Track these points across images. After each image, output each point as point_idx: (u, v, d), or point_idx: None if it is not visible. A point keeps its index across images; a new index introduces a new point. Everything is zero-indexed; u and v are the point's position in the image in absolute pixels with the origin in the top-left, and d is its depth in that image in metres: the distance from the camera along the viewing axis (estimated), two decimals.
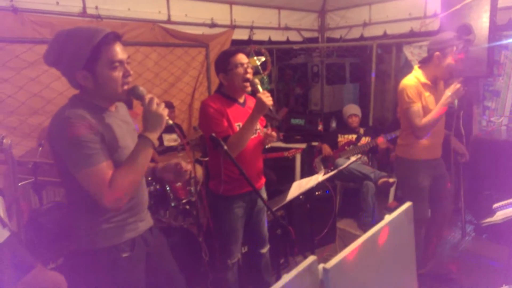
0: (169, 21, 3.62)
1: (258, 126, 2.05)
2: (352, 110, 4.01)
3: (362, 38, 4.65)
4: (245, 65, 1.96)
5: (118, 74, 1.29)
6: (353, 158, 2.57)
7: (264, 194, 2.21)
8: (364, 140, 3.87)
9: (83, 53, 1.23)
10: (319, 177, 2.14)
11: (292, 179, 3.90)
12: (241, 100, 2.08)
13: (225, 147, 1.74)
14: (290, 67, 5.52)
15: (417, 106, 2.29)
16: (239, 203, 2.04)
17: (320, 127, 4.53)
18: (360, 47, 5.13)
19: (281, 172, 3.81)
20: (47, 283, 1.01)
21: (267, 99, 1.81)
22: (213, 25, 3.96)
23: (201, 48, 3.94)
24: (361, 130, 3.98)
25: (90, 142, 1.23)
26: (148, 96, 1.31)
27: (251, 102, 2.10)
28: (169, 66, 3.69)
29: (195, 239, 2.52)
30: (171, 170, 1.54)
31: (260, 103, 1.81)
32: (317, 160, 3.93)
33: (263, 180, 2.20)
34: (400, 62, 4.84)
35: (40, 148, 2.48)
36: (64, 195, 1.45)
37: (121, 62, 1.30)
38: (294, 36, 4.88)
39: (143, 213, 1.48)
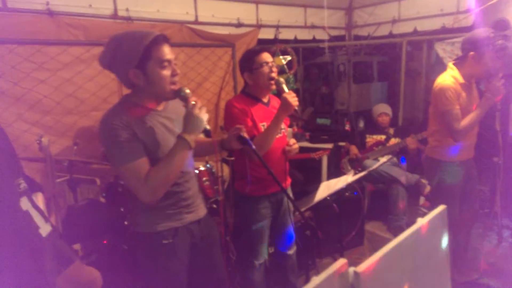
0: (196, 22, 3.67)
1: (283, 125, 2.05)
2: (382, 108, 3.91)
3: (391, 35, 4.54)
4: (270, 64, 1.97)
5: (166, 72, 1.40)
6: (383, 159, 2.50)
7: (290, 195, 2.20)
8: (394, 140, 3.77)
9: (136, 53, 1.34)
10: (348, 178, 2.10)
11: (318, 180, 3.87)
12: (265, 100, 2.08)
13: (254, 147, 1.75)
14: (316, 66, 5.46)
15: (456, 109, 2.19)
16: (265, 204, 2.04)
17: (347, 127, 4.45)
18: (389, 44, 5.00)
19: (307, 173, 3.77)
20: (85, 278, 1.06)
21: (293, 99, 1.80)
22: (239, 24, 3.98)
23: (228, 48, 3.96)
24: (391, 130, 3.88)
25: (126, 141, 1.34)
26: (192, 99, 1.41)
27: (275, 102, 2.10)
28: (196, 66, 3.74)
29: (222, 239, 2.54)
30: (235, 138, 1.63)
31: (285, 103, 1.81)
32: (344, 160, 3.87)
33: (289, 180, 2.19)
34: (431, 59, 4.69)
35: (75, 147, 2.58)
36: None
37: (169, 61, 1.40)
38: (320, 35, 4.83)
39: (191, 205, 1.57)
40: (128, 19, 3.17)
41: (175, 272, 1.52)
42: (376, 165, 2.42)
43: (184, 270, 1.55)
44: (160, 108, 1.51)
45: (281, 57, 4.39)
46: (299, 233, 2.22)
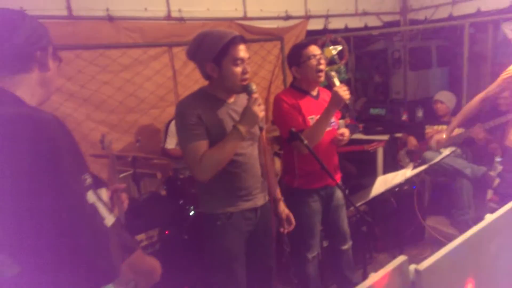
0: (245, 18, 3.70)
1: (333, 119, 2.02)
2: (438, 96, 3.65)
3: (451, 17, 4.21)
4: (318, 57, 1.96)
5: (238, 70, 1.54)
6: (446, 152, 2.35)
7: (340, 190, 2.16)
8: (457, 130, 3.51)
9: (214, 48, 1.51)
10: (407, 173, 2.02)
11: (373, 173, 3.73)
12: (314, 93, 2.06)
13: (305, 141, 1.75)
14: (368, 54, 5.25)
15: None
16: (314, 197, 2.04)
17: (404, 117, 4.23)
18: (449, 27, 4.64)
19: (361, 166, 3.66)
20: (145, 266, 1.11)
21: (344, 93, 1.78)
22: (287, 17, 3.94)
23: (276, 42, 3.95)
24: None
25: (192, 124, 1.51)
26: (254, 95, 1.53)
27: (325, 95, 2.08)
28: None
29: (275, 230, 2.56)
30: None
31: (337, 97, 1.79)
32: (401, 153, 3.68)
33: (339, 175, 2.15)
34: (497, 42, 4.28)
35: (137, 144, 2.76)
36: None
37: (242, 60, 1.54)
38: (372, 21, 4.61)
39: (248, 195, 1.68)
40: (181, 19, 3.29)
41: (228, 252, 1.64)
42: (438, 157, 2.29)
43: (238, 252, 1.66)
44: (231, 100, 1.65)
45: (331, 47, 4.28)
46: (354, 228, 2.17)
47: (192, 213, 2.54)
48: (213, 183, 1.57)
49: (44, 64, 1.02)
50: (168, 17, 3.26)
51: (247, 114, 1.52)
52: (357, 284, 0.78)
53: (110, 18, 2.96)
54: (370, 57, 5.27)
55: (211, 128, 1.55)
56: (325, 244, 2.44)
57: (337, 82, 1.84)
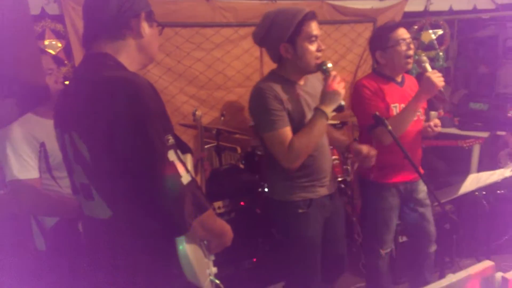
0: None
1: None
2: None
3: None
4: (408, 41, 1.82)
5: (313, 47, 1.51)
6: None
7: (423, 187, 2.01)
8: None
9: (288, 28, 1.48)
10: (505, 172, 1.81)
11: (466, 172, 3.39)
12: (399, 80, 1.92)
13: (390, 127, 1.66)
14: (474, 41, 4.68)
15: None
16: (392, 192, 1.93)
17: (510, 114, 3.73)
18: None
19: (452, 162, 3.35)
20: (218, 227, 1.17)
21: (438, 79, 1.64)
22: None
23: (368, 24, 3.75)
24: None
25: (275, 110, 1.48)
26: (333, 73, 1.48)
27: (410, 82, 1.95)
28: (333, 44, 3.67)
29: (349, 219, 2.53)
30: (358, 156, 1.65)
31: (429, 83, 1.65)
32: (502, 153, 3.29)
33: (422, 171, 2.01)
34: None
35: (222, 118, 2.93)
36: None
37: (316, 37, 1.51)
38: (483, 4, 4.07)
39: (324, 179, 1.65)
40: None
41: (309, 240, 1.63)
42: None
43: (318, 239, 1.65)
44: (302, 82, 1.61)
45: (430, 31, 3.93)
46: (436, 225, 2.03)
47: (266, 189, 2.62)
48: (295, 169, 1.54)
49: (137, 32, 1.10)
50: None
51: (328, 93, 1.48)
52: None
53: None
54: (476, 45, 4.70)
55: (292, 112, 1.53)
56: (401, 239, 2.34)
57: (429, 68, 1.71)
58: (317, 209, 1.63)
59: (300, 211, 1.59)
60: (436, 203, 1.61)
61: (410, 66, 1.85)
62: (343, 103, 1.51)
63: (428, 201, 2.00)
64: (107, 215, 1.06)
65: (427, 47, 3.87)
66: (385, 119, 1.66)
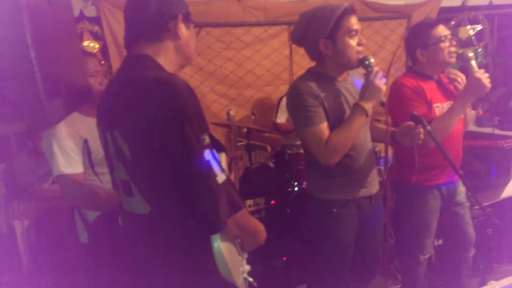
0: None
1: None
2: None
3: None
4: (449, 37, 1.76)
5: (354, 41, 1.47)
6: None
7: (462, 189, 1.93)
8: None
9: (327, 23, 1.45)
10: None
11: (507, 174, 3.22)
12: (436, 78, 1.85)
13: (428, 127, 1.60)
14: None
15: None
16: (435, 194, 1.86)
17: None
18: None
19: (492, 164, 3.19)
20: (251, 226, 1.18)
21: (487, 80, 1.58)
22: None
23: (402, 20, 3.65)
24: None
25: (311, 106, 1.46)
26: (376, 68, 1.44)
27: (445, 80, 1.87)
28: (365, 41, 3.60)
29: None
30: (406, 133, 1.59)
31: (478, 84, 1.59)
32: None
33: (460, 172, 1.93)
34: None
35: (253, 117, 2.94)
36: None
37: (357, 31, 1.47)
38: None
39: (364, 180, 1.61)
40: None
41: (342, 240, 1.60)
42: None
43: (349, 241, 1.61)
44: (341, 79, 1.58)
45: (468, 27, 3.76)
46: (476, 230, 1.94)
47: (296, 189, 2.61)
48: (332, 167, 1.52)
49: (175, 34, 1.12)
50: None
51: (369, 89, 1.44)
52: None
53: None
54: None
55: (330, 109, 1.50)
56: (436, 243, 2.25)
57: (475, 66, 1.64)
58: (353, 210, 1.60)
59: (334, 210, 1.57)
60: (476, 206, 1.54)
61: (453, 60, 1.78)
62: (384, 99, 1.48)
63: (467, 203, 1.92)
64: (146, 211, 1.10)
65: (465, 43, 3.71)
66: (430, 121, 1.60)
